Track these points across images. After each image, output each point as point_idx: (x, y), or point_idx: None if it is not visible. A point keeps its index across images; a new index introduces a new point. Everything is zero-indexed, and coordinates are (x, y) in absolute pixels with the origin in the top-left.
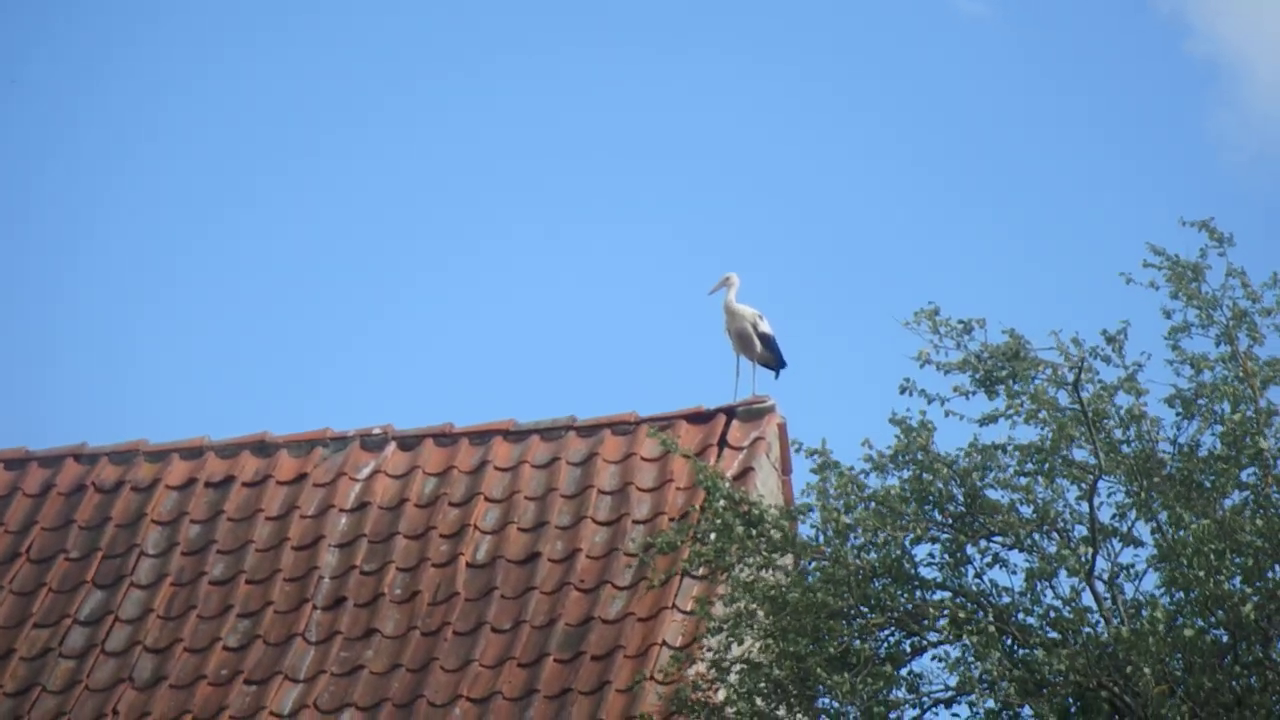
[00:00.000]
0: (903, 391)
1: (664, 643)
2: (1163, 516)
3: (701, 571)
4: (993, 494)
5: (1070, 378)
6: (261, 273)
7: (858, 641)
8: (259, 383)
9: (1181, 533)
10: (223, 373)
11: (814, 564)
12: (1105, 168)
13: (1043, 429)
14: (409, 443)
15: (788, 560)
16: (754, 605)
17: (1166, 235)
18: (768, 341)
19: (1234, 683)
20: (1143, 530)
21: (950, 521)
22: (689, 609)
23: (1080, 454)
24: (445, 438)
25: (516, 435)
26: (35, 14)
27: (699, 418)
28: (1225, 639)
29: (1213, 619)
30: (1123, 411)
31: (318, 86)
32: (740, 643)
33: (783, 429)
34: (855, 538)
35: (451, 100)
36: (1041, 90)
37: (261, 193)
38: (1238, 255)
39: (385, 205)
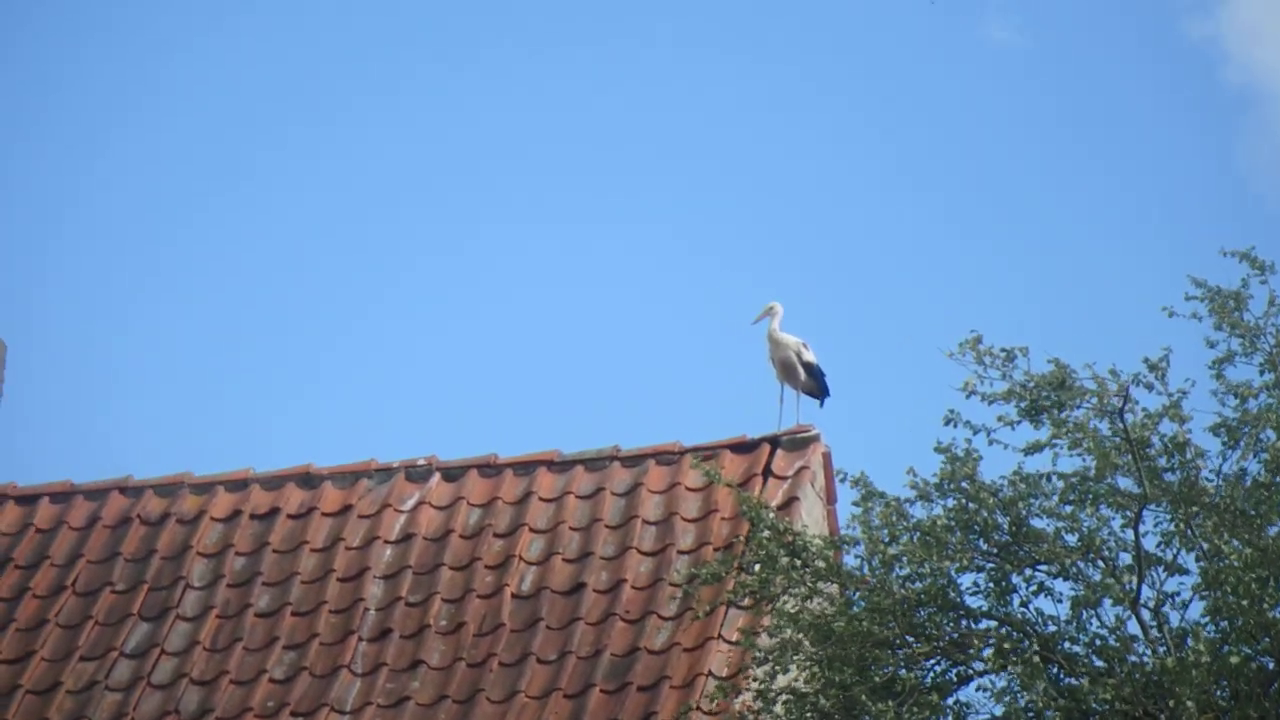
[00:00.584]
0: (947, 423)
1: (710, 673)
2: (1205, 545)
3: (747, 602)
4: (1037, 523)
5: (1114, 405)
6: (306, 305)
7: (903, 670)
8: (304, 414)
9: (1225, 561)
10: (268, 404)
11: (859, 593)
12: (1138, 197)
13: (1087, 458)
14: (453, 474)
15: (833, 589)
16: (799, 635)
17: (1201, 264)
18: (811, 370)
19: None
20: (1188, 559)
21: (995, 550)
22: (734, 639)
23: (1124, 482)
24: (490, 469)
25: (561, 466)
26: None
27: (743, 447)
28: (1271, 666)
29: (1258, 646)
30: (1166, 439)
31: (322, 84)
32: (785, 672)
33: (827, 458)
34: (900, 568)
35: (490, 109)
36: (1073, 119)
37: (296, 219)
38: (1276, 284)
39: (429, 233)
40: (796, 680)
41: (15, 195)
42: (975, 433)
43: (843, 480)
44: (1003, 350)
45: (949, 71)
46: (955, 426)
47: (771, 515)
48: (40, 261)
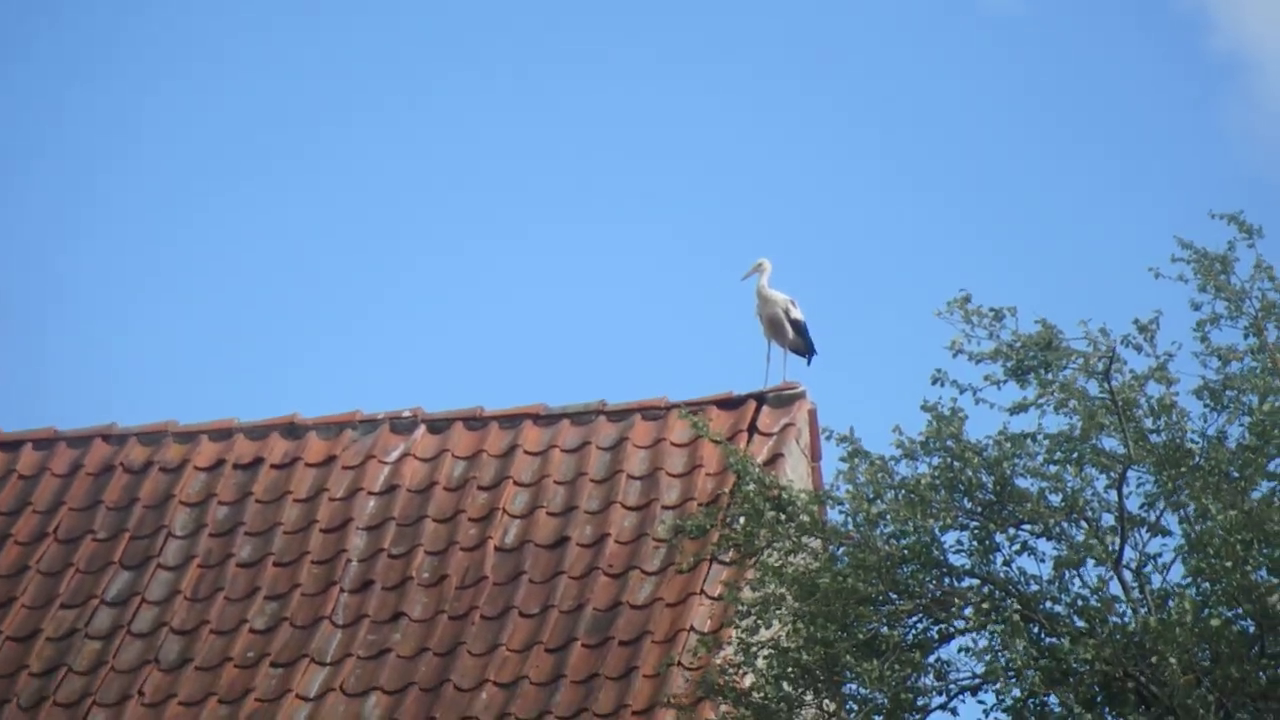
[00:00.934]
0: (934, 382)
1: (692, 628)
2: (1190, 507)
3: (730, 556)
4: (1022, 482)
5: (1100, 367)
6: (294, 254)
7: (885, 628)
8: (289, 364)
9: (1208, 523)
10: (252, 354)
11: (843, 549)
12: (1126, 162)
13: (1073, 418)
14: (438, 426)
15: (817, 544)
16: (782, 590)
17: (1187, 228)
18: (799, 328)
19: (1261, 673)
20: (1171, 520)
21: (979, 509)
22: (717, 594)
23: (1109, 443)
24: (475, 421)
25: (546, 419)
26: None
27: (729, 403)
28: (1252, 629)
29: (1240, 609)
30: (1153, 401)
31: (319, 81)
32: (768, 627)
33: (813, 415)
34: (884, 525)
35: (482, 89)
36: (1062, 85)
37: (288, 175)
38: (1263, 249)
39: (417, 189)
40: (779, 635)
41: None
42: (962, 392)
43: (829, 438)
44: (991, 310)
45: (946, 39)
46: (942, 385)
47: (757, 469)
48: (19, 209)
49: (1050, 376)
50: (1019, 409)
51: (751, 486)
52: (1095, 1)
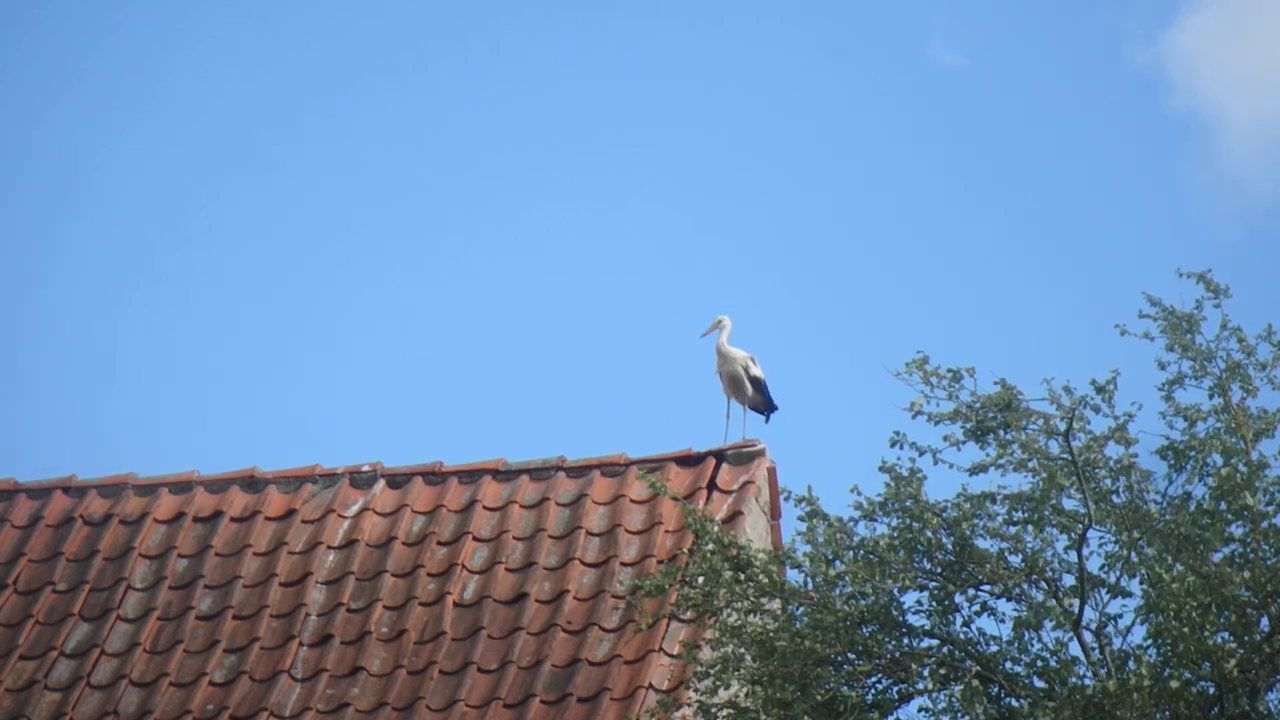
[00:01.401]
0: (893, 445)
1: (650, 686)
2: (1148, 570)
3: (689, 615)
4: (982, 543)
5: (1062, 427)
6: (252, 308)
7: (845, 688)
8: (248, 419)
9: (1167, 586)
10: (212, 408)
11: (801, 610)
12: (1085, 222)
13: (1033, 478)
14: (398, 481)
15: (776, 605)
16: (741, 650)
17: (1147, 287)
18: (759, 385)
19: None
20: (1131, 582)
21: (939, 570)
22: (676, 653)
23: (1070, 504)
24: (434, 476)
25: (506, 475)
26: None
27: (688, 460)
28: (1211, 691)
29: (1199, 672)
30: (1113, 462)
31: (314, 81)
32: (727, 688)
33: (772, 473)
34: (843, 586)
35: (426, 121)
36: (1018, 142)
37: (250, 224)
38: (1228, 308)
39: (370, 242)
40: (738, 696)
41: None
42: (921, 454)
43: (787, 498)
44: (949, 370)
45: (894, 92)
46: (901, 447)
47: (715, 528)
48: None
49: (1010, 436)
50: (978, 469)
51: (710, 546)
52: (1052, 59)
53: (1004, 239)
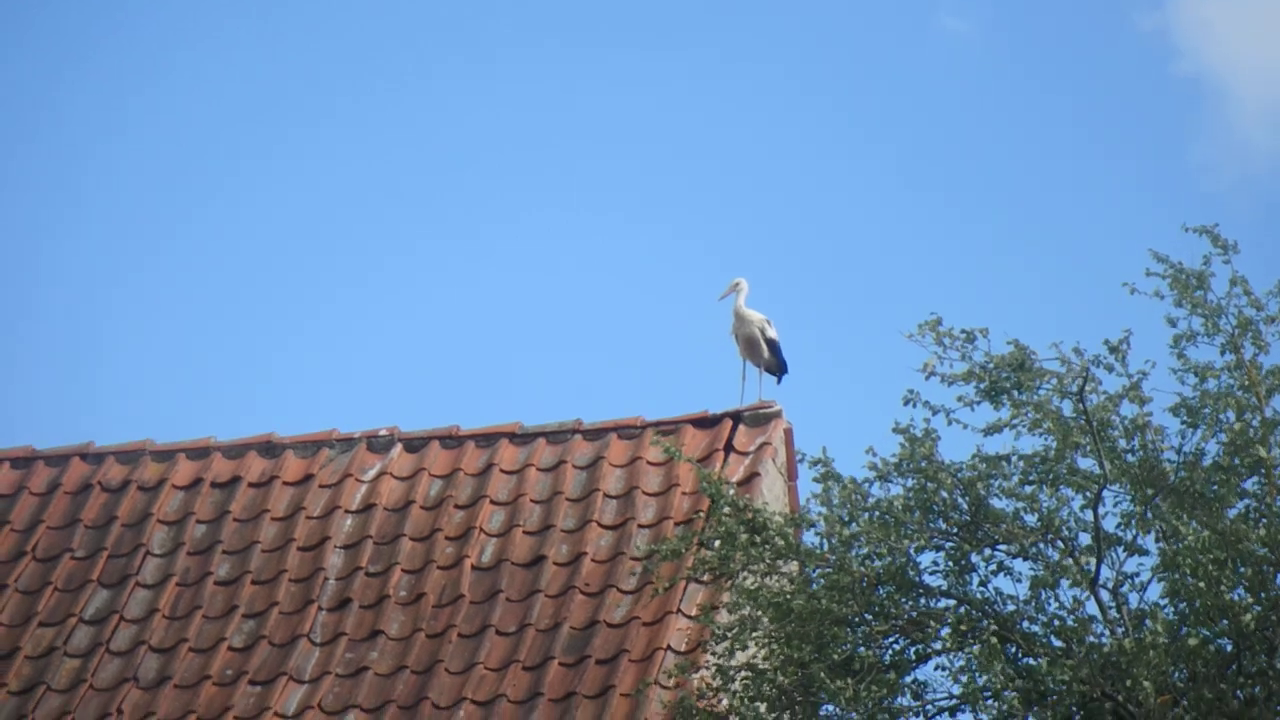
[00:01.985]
0: (906, 403)
1: (669, 647)
2: (1164, 526)
3: (706, 578)
4: (997, 503)
5: (1075, 388)
6: (270, 273)
7: (862, 649)
8: (265, 384)
9: (1183, 543)
10: (229, 373)
11: (818, 571)
12: (1090, 187)
13: (1047, 438)
14: (415, 445)
15: (792, 567)
16: (758, 612)
17: (1155, 247)
18: (774, 347)
19: (1237, 693)
20: (1147, 540)
21: (955, 530)
22: (694, 614)
23: (1085, 463)
24: (451, 440)
25: (522, 438)
26: None
27: (705, 422)
28: (1229, 649)
29: (1216, 629)
30: (1127, 421)
31: (304, 75)
32: (744, 649)
33: (789, 434)
34: (859, 547)
35: (450, 91)
36: (1026, 108)
37: (263, 193)
38: (1237, 265)
39: (390, 203)
40: (755, 657)
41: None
42: (934, 413)
43: (802, 460)
44: (962, 332)
45: (902, 58)
46: (914, 407)
47: (731, 492)
48: (19, 234)
49: (1024, 397)
50: (993, 430)
51: (726, 510)
52: (1059, 25)
53: (1011, 204)
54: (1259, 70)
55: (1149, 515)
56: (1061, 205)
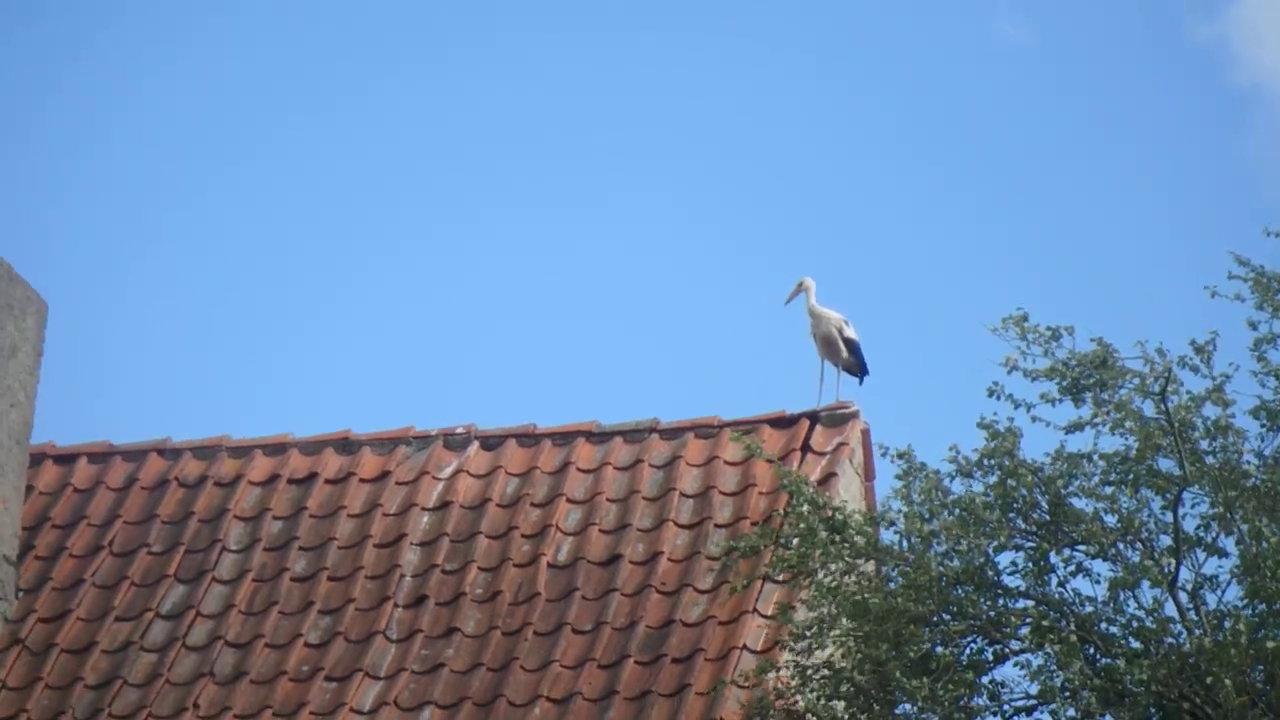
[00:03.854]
0: (991, 395)
1: (745, 647)
2: (1245, 528)
3: (783, 577)
4: (1077, 503)
5: (1156, 388)
6: (344, 270)
7: (939, 648)
8: (344, 381)
9: (1264, 545)
10: (307, 370)
11: (896, 570)
12: (1147, 196)
13: (1128, 438)
14: (492, 443)
15: (870, 566)
16: (836, 610)
17: (1211, 260)
18: (853, 347)
19: None
20: (1227, 541)
21: (1034, 529)
22: (770, 614)
23: (1165, 464)
24: (528, 438)
25: (599, 437)
26: None
27: (782, 422)
28: None
29: None
30: (1209, 422)
31: (310, 66)
32: (822, 648)
33: (866, 435)
34: (938, 544)
35: (492, 76)
36: (1083, 117)
37: (344, 165)
38: None
39: (471, 200)
40: (832, 656)
41: (44, 146)
42: (1017, 407)
43: (884, 454)
44: (1048, 329)
45: (960, 65)
46: (999, 399)
47: (811, 490)
48: (82, 226)
49: (1106, 396)
50: (1074, 428)
51: (805, 507)
52: (1115, 34)
53: (1071, 212)
54: None
55: (1233, 516)
56: (1117, 213)
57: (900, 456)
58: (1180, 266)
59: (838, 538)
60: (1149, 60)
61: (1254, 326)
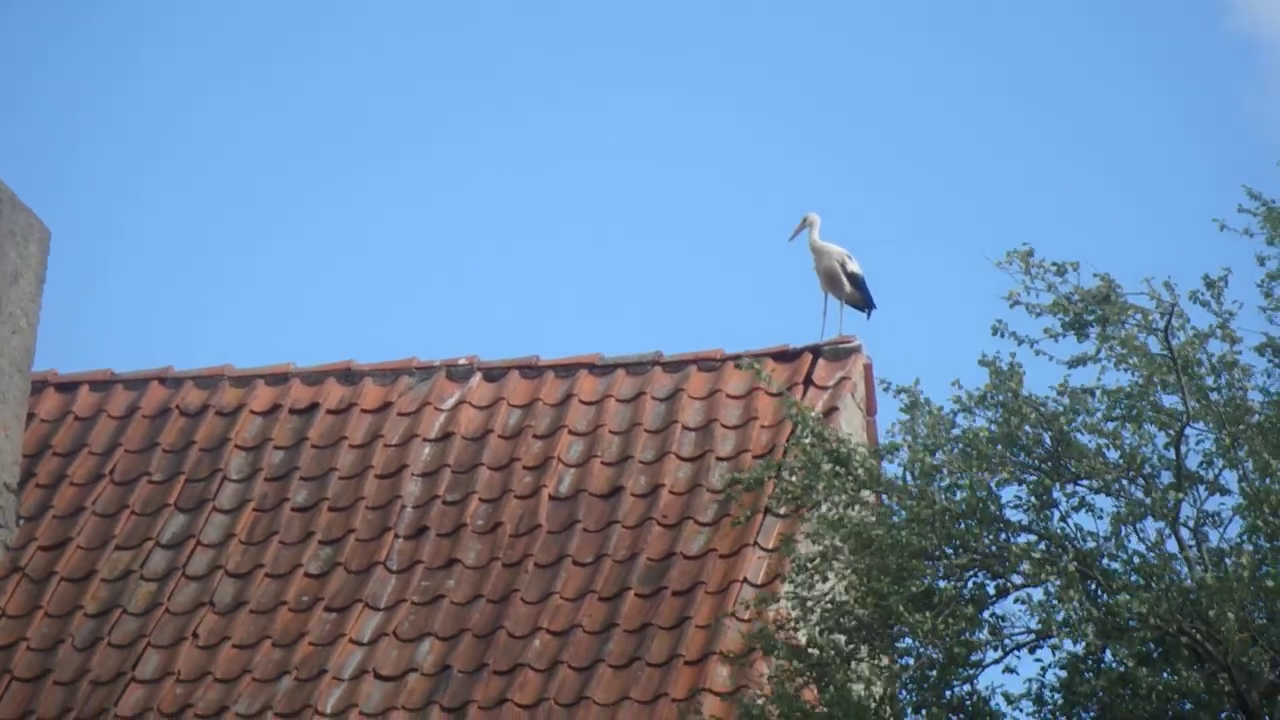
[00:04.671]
0: (995, 333)
1: (745, 580)
2: (1249, 465)
3: (784, 510)
4: (1080, 438)
5: (1160, 324)
6: (345, 203)
7: (941, 583)
8: (347, 310)
9: (1267, 481)
10: (309, 300)
11: (899, 503)
12: (1146, 142)
13: (1132, 374)
14: (494, 374)
15: (872, 499)
16: (838, 543)
17: (1210, 207)
18: (856, 281)
19: None
20: (1230, 478)
21: (1037, 464)
22: (771, 546)
23: (1169, 400)
24: (531, 370)
25: (602, 369)
26: None
27: (785, 356)
28: None
29: None
30: (1214, 358)
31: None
32: (825, 580)
33: (868, 369)
34: (941, 479)
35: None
36: (1080, 63)
37: (342, 102)
38: None
39: (471, 129)
40: (834, 589)
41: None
42: (1020, 344)
43: (888, 389)
44: (1053, 264)
45: (958, 6)
46: (1002, 336)
47: (816, 421)
48: (85, 155)
49: (1110, 331)
50: (1078, 363)
51: (809, 439)
52: None
53: (1068, 159)
54: None
55: (1236, 452)
56: (1116, 159)
57: (902, 391)
58: (1174, 216)
59: (841, 470)
60: (1145, 5)
61: (1262, 262)
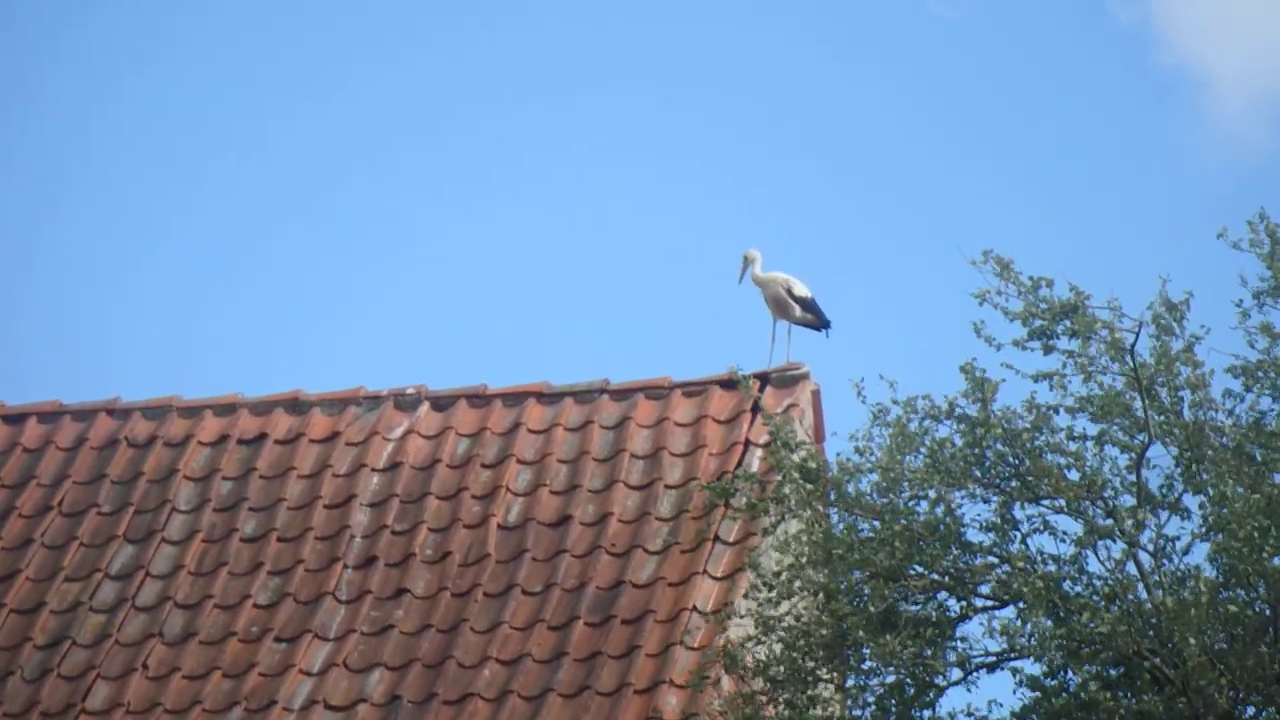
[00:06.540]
0: (977, 334)
1: (694, 607)
2: (1209, 490)
3: (737, 529)
4: (1044, 458)
5: (1129, 342)
6: (294, 230)
7: (903, 604)
8: (294, 341)
9: (1225, 510)
10: (257, 331)
11: (864, 521)
12: (1076, 177)
13: (1096, 390)
14: (442, 403)
15: (834, 518)
16: (804, 559)
17: (1145, 243)
18: (806, 304)
19: (1275, 660)
20: (1191, 501)
21: (999, 483)
22: (721, 575)
23: (1133, 416)
24: (478, 399)
25: (550, 398)
26: None
27: (732, 384)
28: (1267, 613)
29: (1256, 595)
30: (1180, 379)
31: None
32: (788, 598)
33: (816, 396)
34: (905, 489)
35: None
36: (1009, 96)
37: (288, 135)
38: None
39: (419, 159)
40: (794, 609)
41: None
42: (993, 345)
43: (857, 395)
44: (1030, 279)
45: (890, 42)
46: (979, 336)
47: (801, 437)
48: (40, 184)
49: (1077, 345)
50: (1044, 377)
51: (797, 456)
52: (1038, 12)
53: (999, 192)
54: (1240, 60)
55: (1198, 475)
56: (1045, 194)
57: (877, 408)
58: (1108, 252)
59: (811, 487)
60: (1073, 41)
61: (1244, 283)
